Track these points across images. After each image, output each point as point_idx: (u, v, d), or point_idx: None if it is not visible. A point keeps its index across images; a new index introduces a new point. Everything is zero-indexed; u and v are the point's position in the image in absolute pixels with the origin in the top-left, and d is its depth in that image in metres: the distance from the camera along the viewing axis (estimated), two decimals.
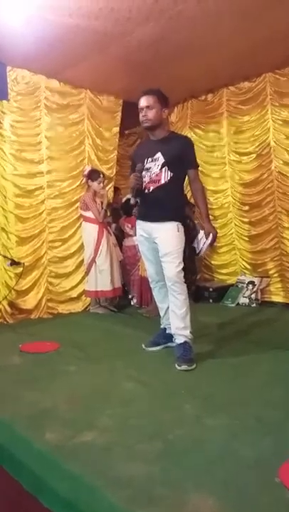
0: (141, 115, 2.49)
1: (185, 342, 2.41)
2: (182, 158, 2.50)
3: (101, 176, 4.12)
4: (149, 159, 2.53)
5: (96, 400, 1.88)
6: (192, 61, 3.75)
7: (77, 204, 4.18)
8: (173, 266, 2.44)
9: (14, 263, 3.67)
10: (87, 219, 4.08)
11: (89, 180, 4.10)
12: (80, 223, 4.20)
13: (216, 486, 1.19)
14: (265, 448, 1.39)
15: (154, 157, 2.51)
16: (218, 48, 3.51)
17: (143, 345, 2.71)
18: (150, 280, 2.75)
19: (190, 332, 2.44)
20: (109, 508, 1.12)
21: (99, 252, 4.02)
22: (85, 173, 4.13)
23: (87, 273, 4.11)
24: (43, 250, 4.02)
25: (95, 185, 4.09)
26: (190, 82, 4.26)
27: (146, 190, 2.51)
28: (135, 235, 4.01)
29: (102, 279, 4.01)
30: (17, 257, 3.76)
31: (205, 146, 4.69)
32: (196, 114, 4.80)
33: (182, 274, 2.47)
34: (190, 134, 4.73)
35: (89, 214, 4.04)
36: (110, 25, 3.05)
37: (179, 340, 2.43)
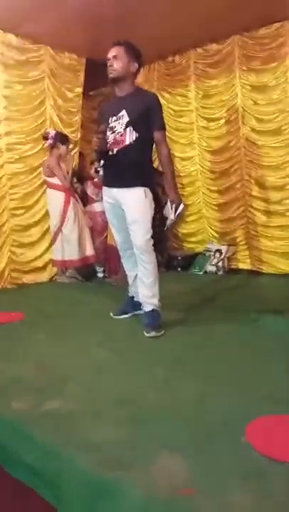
0: (108, 67, 2.34)
1: (153, 310, 2.39)
2: (148, 117, 2.34)
3: (69, 140, 3.95)
4: (114, 117, 2.37)
5: (64, 368, 1.84)
6: (159, 19, 3.54)
7: (40, 169, 3.98)
8: (141, 234, 2.35)
9: None
10: (52, 185, 3.89)
11: (57, 144, 3.86)
12: (45, 190, 4.02)
13: (184, 447, 1.19)
14: (233, 410, 1.42)
15: (119, 115, 2.36)
16: (186, 6, 3.33)
17: (111, 314, 2.67)
18: (119, 248, 2.65)
19: (158, 300, 2.41)
20: (77, 473, 1.10)
21: (66, 221, 3.89)
22: (52, 135, 3.86)
23: (53, 242, 3.98)
24: (4, 218, 3.83)
25: (63, 149, 3.89)
26: (156, 42, 4.03)
27: (111, 152, 2.35)
28: (100, 200, 3.93)
29: (70, 248, 3.90)
30: None
31: (173, 110, 4.56)
32: (162, 76, 4.62)
33: (151, 243, 2.39)
34: None
35: (54, 180, 3.86)
36: None
37: (146, 308, 2.41)
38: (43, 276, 4.10)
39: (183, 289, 3.50)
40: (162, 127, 2.41)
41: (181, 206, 2.40)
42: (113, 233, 2.68)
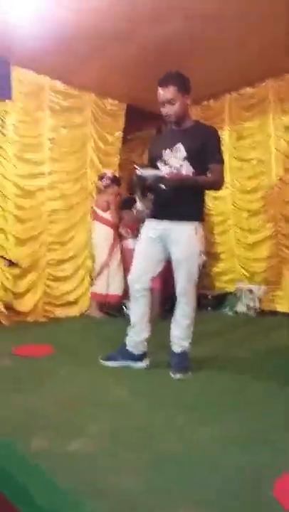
0: (163, 110, 2.23)
1: (182, 351, 2.32)
2: (205, 151, 2.21)
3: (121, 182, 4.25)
4: (168, 150, 2.26)
5: (85, 407, 1.85)
6: (195, 66, 3.73)
7: (77, 207, 4.21)
8: (187, 274, 2.24)
9: (11, 264, 3.64)
10: (103, 220, 4.09)
11: (112, 184, 4.15)
12: (81, 226, 4.21)
13: (205, 498, 1.15)
14: (262, 460, 1.36)
15: (174, 147, 2.24)
16: (221, 52, 3.52)
17: (99, 358, 2.45)
18: (131, 282, 2.37)
19: (189, 343, 2.34)
20: None
21: (114, 256, 4.04)
22: (108, 175, 4.15)
23: (96, 276, 4.09)
24: (41, 252, 4.00)
25: (116, 189, 4.17)
26: (193, 88, 4.25)
27: (163, 186, 2.20)
28: (132, 237, 4.04)
29: (115, 283, 4.02)
30: (15, 258, 3.74)
31: None
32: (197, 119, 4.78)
33: (196, 284, 2.30)
34: None
35: (106, 215, 4.06)
36: (115, 25, 3.04)
37: (175, 349, 2.33)
38: (74, 311, 4.19)
39: (212, 329, 3.45)
40: (219, 161, 2.26)
41: (203, 257, 2.30)
42: (134, 263, 2.39)
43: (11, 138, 3.79)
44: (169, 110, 2.22)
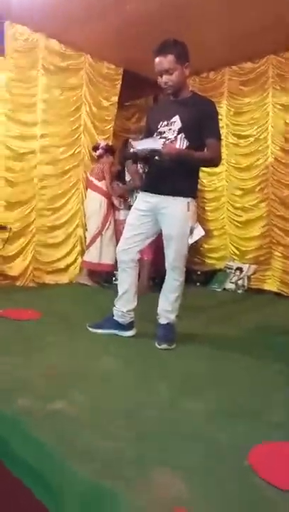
0: (160, 80, 2.15)
1: (168, 323, 2.35)
2: (201, 125, 2.15)
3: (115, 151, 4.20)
4: (164, 122, 2.21)
5: (72, 373, 1.85)
6: (196, 36, 3.57)
7: (70, 173, 4.12)
8: (177, 250, 2.25)
9: (1, 227, 3.58)
10: (98, 189, 4.05)
11: (107, 154, 4.11)
12: (73, 193, 4.15)
13: (184, 467, 1.18)
14: (239, 433, 1.39)
15: (171, 121, 2.19)
16: (223, 25, 3.39)
17: (87, 324, 2.48)
18: (119, 253, 2.36)
19: (176, 316, 2.37)
20: (74, 479, 1.10)
21: (107, 225, 4.03)
22: (102, 145, 4.10)
23: (90, 244, 4.07)
24: (31, 217, 3.93)
25: (110, 159, 4.13)
26: (193, 58, 4.10)
27: (155, 157, 2.16)
28: (124, 209, 4.01)
29: (107, 252, 4.02)
30: (4, 222, 3.67)
31: None
32: (196, 91, 4.66)
33: (185, 259, 2.30)
34: None
35: (101, 184, 4.02)
36: None
37: (162, 321, 2.36)
38: (64, 278, 4.18)
39: (200, 305, 3.49)
40: (215, 135, 2.20)
41: (202, 233, 2.29)
42: (123, 235, 2.39)
43: (2, 96, 3.64)
44: (166, 80, 2.14)
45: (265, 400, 1.67)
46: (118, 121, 4.68)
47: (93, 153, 4.16)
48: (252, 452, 1.26)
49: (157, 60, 2.12)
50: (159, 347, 2.27)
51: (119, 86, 4.42)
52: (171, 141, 2.17)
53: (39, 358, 2.02)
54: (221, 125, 4.40)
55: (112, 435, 1.34)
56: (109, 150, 4.16)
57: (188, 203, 2.22)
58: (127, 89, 4.44)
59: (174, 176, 2.18)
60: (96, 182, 4.07)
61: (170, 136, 2.18)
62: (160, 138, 2.20)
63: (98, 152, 4.10)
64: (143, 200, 2.32)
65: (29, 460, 1.22)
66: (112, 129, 4.47)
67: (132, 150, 2.21)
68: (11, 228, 3.69)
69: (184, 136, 2.16)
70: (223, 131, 4.40)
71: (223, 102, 4.41)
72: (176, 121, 2.18)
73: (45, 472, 1.17)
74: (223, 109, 4.41)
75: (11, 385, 1.66)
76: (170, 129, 2.19)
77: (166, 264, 2.34)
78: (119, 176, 4.14)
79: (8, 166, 3.74)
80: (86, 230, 4.20)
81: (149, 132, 2.31)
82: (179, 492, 1.07)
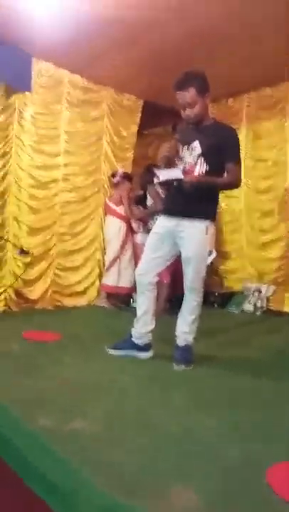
0: (183, 113, 2.21)
1: (186, 345, 2.36)
2: (222, 149, 2.20)
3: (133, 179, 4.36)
4: (185, 147, 2.26)
5: (90, 391, 1.90)
6: (215, 66, 3.75)
7: (90, 200, 4.31)
8: (196, 272, 2.28)
9: (23, 252, 3.72)
10: (116, 214, 4.18)
11: (124, 181, 4.25)
12: (92, 219, 4.30)
13: (201, 481, 1.19)
14: (254, 450, 1.39)
15: (191, 145, 2.24)
16: (241, 52, 3.53)
17: (106, 346, 2.51)
18: (138, 276, 2.41)
19: (193, 338, 2.37)
20: (93, 494, 1.13)
21: (126, 249, 4.14)
22: (120, 173, 4.26)
23: (108, 268, 4.17)
24: (52, 242, 4.07)
25: (128, 185, 4.28)
26: (212, 87, 4.27)
27: (176, 182, 2.24)
28: (142, 232, 4.10)
29: (125, 276, 4.11)
30: (27, 247, 3.81)
31: None
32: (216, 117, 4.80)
33: (203, 281, 2.34)
34: None
35: (119, 209, 4.15)
36: (135, 20, 3.07)
37: (180, 342, 2.36)
38: (82, 301, 4.26)
39: (217, 326, 3.47)
40: (236, 160, 2.25)
41: (214, 255, 2.33)
42: (143, 258, 2.44)
43: (28, 129, 3.86)
44: (189, 113, 2.21)
45: (281, 420, 1.66)
46: (137, 149, 4.84)
47: (112, 180, 4.31)
48: (270, 470, 1.25)
49: (179, 94, 2.17)
50: (176, 368, 2.28)
51: (139, 116, 4.61)
52: (190, 166, 2.23)
53: (58, 377, 2.07)
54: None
55: (129, 449, 1.36)
56: (126, 177, 4.31)
57: (206, 226, 2.26)
58: (146, 117, 4.62)
59: (193, 200, 2.22)
60: (114, 207, 4.20)
61: (190, 160, 2.25)
62: (181, 162, 2.26)
63: (116, 179, 4.26)
64: (162, 224, 2.37)
65: (48, 475, 1.25)
66: (131, 156, 4.63)
67: (155, 180, 2.28)
68: (33, 253, 3.83)
69: (203, 160, 2.22)
70: (241, 155, 4.49)
71: (242, 127, 4.49)
72: (197, 147, 2.23)
73: (64, 487, 1.20)
74: (242, 134, 4.51)
75: (33, 403, 1.71)
76: (190, 154, 2.25)
77: (185, 286, 2.37)
78: (140, 201, 4.26)
79: (32, 193, 3.92)
80: (105, 253, 4.29)
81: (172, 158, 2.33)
82: (194, 508, 1.08)
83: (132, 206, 4.22)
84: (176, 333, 2.41)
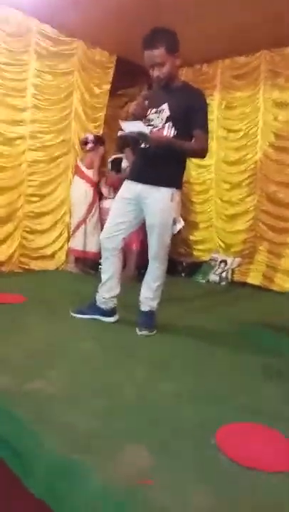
0: (151, 73, 2.13)
1: (149, 310, 2.39)
2: (190, 114, 2.14)
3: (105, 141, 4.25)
4: (153, 110, 2.21)
5: (51, 354, 1.91)
6: (191, 27, 3.58)
7: (59, 160, 4.13)
8: (160, 240, 2.27)
9: None
10: (85, 177, 4.08)
11: (97, 145, 4.13)
12: (62, 180, 4.17)
13: (153, 443, 1.25)
14: (207, 414, 1.46)
15: (159, 108, 2.19)
16: (218, 17, 3.40)
17: (70, 310, 2.52)
18: (103, 241, 2.37)
19: (157, 303, 2.40)
20: (45, 451, 1.16)
21: (92, 213, 4.07)
22: (91, 138, 4.11)
23: (74, 231, 4.11)
24: (19, 203, 3.93)
25: (102, 149, 4.17)
26: (187, 49, 4.06)
27: (143, 145, 2.20)
28: (112, 197, 4.03)
29: (92, 240, 4.07)
30: None
31: None
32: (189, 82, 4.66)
33: (168, 249, 2.35)
34: None
35: (88, 173, 4.05)
36: None
37: (143, 307, 2.40)
38: (51, 265, 4.20)
39: (182, 295, 3.55)
40: (203, 127, 2.18)
41: (181, 224, 2.30)
42: (107, 222, 2.38)
43: None
44: (158, 74, 2.12)
45: (234, 386, 1.75)
46: (110, 110, 4.66)
47: (83, 148, 4.17)
48: (219, 431, 1.33)
49: (147, 53, 2.08)
50: (139, 333, 2.33)
51: (111, 74, 4.40)
52: (158, 129, 2.17)
53: (20, 339, 2.07)
54: (211, 118, 4.46)
55: (85, 412, 1.39)
56: (99, 141, 4.17)
57: (172, 193, 2.22)
58: (120, 76, 4.42)
59: (159, 166, 2.18)
60: (84, 170, 4.11)
61: (158, 123, 2.19)
62: (148, 125, 2.20)
63: (88, 146, 4.13)
64: (128, 188, 2.32)
65: (2, 433, 1.27)
66: (103, 116, 4.46)
67: (120, 132, 2.21)
68: None
69: (171, 124, 2.16)
70: (213, 125, 4.44)
71: (215, 95, 4.42)
72: (165, 110, 2.17)
73: (18, 443, 1.22)
74: (214, 102, 4.44)
75: None
76: (158, 117, 2.19)
77: (149, 253, 2.38)
78: (115, 165, 4.15)
79: None
80: (71, 216, 4.21)
81: (144, 94, 2.27)
82: (144, 466, 1.13)
83: (107, 171, 4.12)
84: (140, 299, 2.43)
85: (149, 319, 2.40)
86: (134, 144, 2.35)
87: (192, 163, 4.58)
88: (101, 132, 4.43)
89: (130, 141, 2.28)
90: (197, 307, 3.23)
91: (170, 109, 2.17)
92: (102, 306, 2.46)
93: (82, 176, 4.10)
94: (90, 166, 4.09)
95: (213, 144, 4.48)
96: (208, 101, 4.38)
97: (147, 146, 2.17)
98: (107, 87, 4.42)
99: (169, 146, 2.14)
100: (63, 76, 4.06)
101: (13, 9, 3.56)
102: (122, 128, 2.20)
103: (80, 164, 4.15)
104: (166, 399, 1.57)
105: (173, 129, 2.17)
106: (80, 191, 4.09)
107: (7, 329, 2.21)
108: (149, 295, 2.41)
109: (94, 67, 4.26)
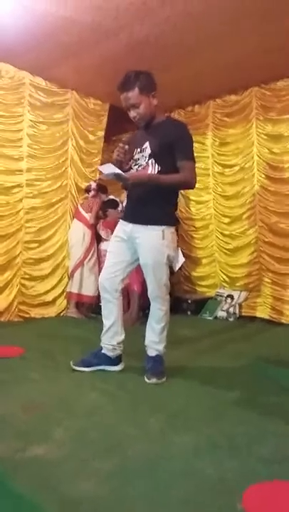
0: (129, 114, 2.16)
1: (157, 355, 2.25)
2: (173, 147, 2.10)
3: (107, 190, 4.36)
4: (138, 149, 2.20)
5: (55, 410, 1.75)
6: (180, 70, 3.74)
7: (57, 205, 4.14)
8: (156, 279, 2.19)
9: None
10: (83, 219, 4.09)
11: (99, 193, 4.23)
12: (60, 225, 4.16)
13: (172, 507, 1.08)
14: (231, 469, 1.30)
15: (142, 147, 2.18)
16: (206, 59, 3.53)
17: (71, 363, 2.30)
18: (102, 283, 2.27)
19: (164, 347, 2.27)
20: None
21: (89, 256, 4.03)
22: (93, 187, 4.20)
23: (72, 274, 4.04)
24: (17, 250, 3.88)
25: (103, 197, 4.25)
26: (177, 92, 4.25)
27: (123, 183, 2.17)
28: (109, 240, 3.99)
29: (89, 283, 4.01)
30: None
31: None
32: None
33: (166, 288, 2.24)
34: None
35: (87, 216, 4.07)
36: (97, 23, 3.00)
37: (150, 353, 2.27)
38: (51, 311, 4.08)
39: (190, 334, 3.40)
40: (187, 157, 2.13)
41: (182, 260, 2.25)
42: (105, 264, 2.32)
43: None
44: (135, 114, 2.14)
45: (255, 432, 1.58)
46: (106, 155, 4.73)
47: (86, 195, 4.25)
48: (245, 494, 1.16)
49: (122, 96, 2.11)
50: (148, 381, 2.16)
51: (105, 121, 4.51)
52: (143, 167, 2.17)
53: (19, 395, 1.91)
54: (206, 155, 4.53)
55: (94, 478, 1.23)
56: (101, 189, 4.27)
57: (162, 231, 2.15)
58: (113, 122, 4.53)
59: (147, 204, 2.16)
60: (83, 212, 4.12)
61: (142, 162, 2.18)
62: (135, 165, 2.21)
63: (91, 194, 4.22)
64: (121, 229, 2.30)
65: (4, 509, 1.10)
66: (99, 162, 4.51)
67: (99, 176, 2.25)
68: None
69: (154, 161, 2.15)
70: (208, 161, 4.49)
71: (208, 134, 4.51)
72: (146, 148, 2.17)
73: None
74: (208, 140, 4.51)
75: None
76: (142, 156, 2.18)
77: (149, 295, 2.28)
78: (112, 205, 4.21)
79: None
80: (69, 259, 4.16)
81: (125, 140, 2.33)
82: None
83: (108, 211, 4.16)
84: (146, 343, 2.31)
85: (157, 365, 2.24)
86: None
87: (190, 199, 4.60)
88: (98, 177, 4.47)
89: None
90: (207, 346, 3.06)
91: (151, 146, 2.16)
92: (109, 354, 2.31)
93: (81, 218, 4.11)
94: (88, 210, 4.11)
95: (210, 180, 4.52)
96: (200, 139, 4.53)
97: (128, 187, 2.20)
98: (102, 133, 4.52)
99: (151, 182, 2.11)
100: (58, 125, 4.16)
101: (5, 64, 3.70)
102: (100, 170, 2.22)
103: (79, 208, 4.17)
104: (183, 454, 1.40)
105: (156, 165, 2.15)
106: (79, 233, 4.08)
107: (4, 385, 2.05)
108: (154, 338, 2.28)
109: (88, 115, 4.37)
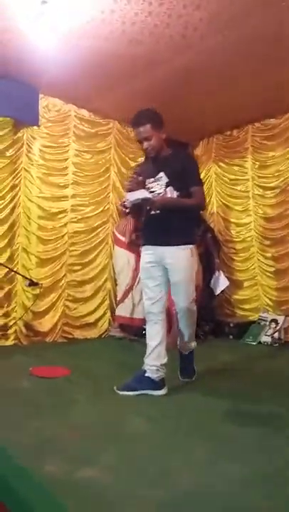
0: (143, 147, 2.39)
1: (190, 353, 2.56)
2: (185, 175, 2.36)
3: None
4: (151, 179, 2.40)
5: (101, 434, 1.77)
6: (219, 97, 3.81)
7: (99, 229, 4.27)
8: (186, 295, 2.37)
9: (32, 284, 3.67)
10: (124, 245, 4.10)
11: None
12: (102, 248, 4.28)
13: None
14: (283, 500, 1.25)
15: (157, 177, 2.38)
16: (244, 85, 3.58)
17: (115, 388, 2.33)
18: (147, 308, 2.41)
19: (194, 342, 2.58)
20: None
21: (137, 280, 4.00)
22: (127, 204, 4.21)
23: (122, 299, 4.05)
24: (62, 273, 4.02)
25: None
26: (215, 117, 4.35)
27: (152, 211, 2.37)
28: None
29: (140, 307, 3.95)
30: (36, 278, 3.76)
31: (228, 179, 4.71)
32: (220, 148, 4.85)
33: (194, 304, 2.43)
34: (214, 168, 4.83)
35: (124, 239, 4.10)
36: (138, 56, 3.15)
37: (184, 351, 2.57)
38: (93, 333, 4.16)
39: (232, 360, 3.32)
40: (198, 183, 2.42)
41: (226, 284, 2.37)
42: (146, 291, 2.44)
43: (37, 162, 3.91)
44: (147, 146, 2.37)
45: None
46: None
47: (122, 210, 4.26)
48: None
49: (136, 130, 2.37)
50: (182, 380, 2.50)
51: None
52: (161, 195, 2.36)
53: (67, 417, 1.95)
54: (246, 178, 4.53)
55: (141, 505, 1.22)
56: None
57: (190, 249, 2.38)
58: None
59: (172, 226, 2.34)
60: (121, 238, 4.14)
61: (159, 190, 2.38)
62: (150, 192, 2.38)
63: (127, 210, 4.20)
64: (147, 254, 2.43)
65: None
66: None
67: (125, 201, 2.38)
68: (42, 284, 3.77)
69: (172, 188, 2.36)
70: (249, 184, 4.49)
71: (247, 157, 4.52)
72: (163, 177, 2.37)
73: None
74: (247, 163, 4.53)
75: (39, 448, 1.59)
76: (158, 184, 2.38)
77: (177, 309, 2.43)
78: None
79: (41, 224, 3.93)
80: (116, 284, 4.20)
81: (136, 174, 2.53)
82: None
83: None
84: (179, 346, 2.58)
85: (190, 363, 2.58)
86: (139, 212, 2.54)
87: (231, 222, 4.59)
88: (120, 203, 4.54)
89: (136, 211, 2.43)
90: (253, 373, 2.97)
91: (167, 175, 2.37)
92: (153, 376, 2.32)
93: (121, 244, 4.13)
94: (123, 234, 4.12)
95: (250, 202, 4.50)
96: (240, 162, 4.55)
97: (154, 209, 2.35)
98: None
99: (172, 205, 2.34)
100: (101, 154, 4.34)
101: (53, 98, 3.96)
102: (127, 198, 2.42)
103: (116, 233, 4.20)
104: (231, 485, 1.36)
105: (175, 191, 2.36)
106: (123, 260, 4.08)
107: (53, 407, 2.10)
108: (185, 340, 2.53)
109: (129, 143, 4.53)
